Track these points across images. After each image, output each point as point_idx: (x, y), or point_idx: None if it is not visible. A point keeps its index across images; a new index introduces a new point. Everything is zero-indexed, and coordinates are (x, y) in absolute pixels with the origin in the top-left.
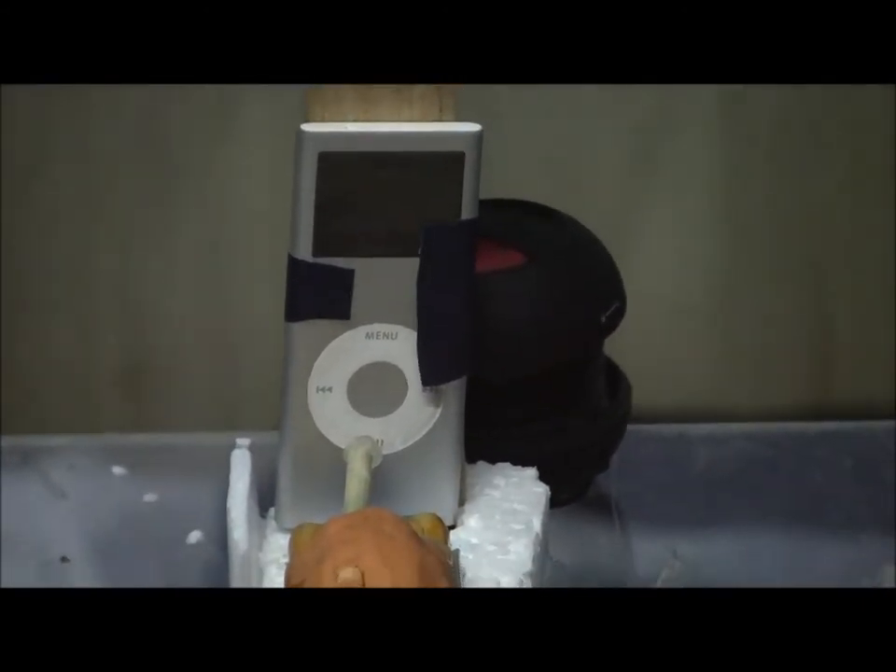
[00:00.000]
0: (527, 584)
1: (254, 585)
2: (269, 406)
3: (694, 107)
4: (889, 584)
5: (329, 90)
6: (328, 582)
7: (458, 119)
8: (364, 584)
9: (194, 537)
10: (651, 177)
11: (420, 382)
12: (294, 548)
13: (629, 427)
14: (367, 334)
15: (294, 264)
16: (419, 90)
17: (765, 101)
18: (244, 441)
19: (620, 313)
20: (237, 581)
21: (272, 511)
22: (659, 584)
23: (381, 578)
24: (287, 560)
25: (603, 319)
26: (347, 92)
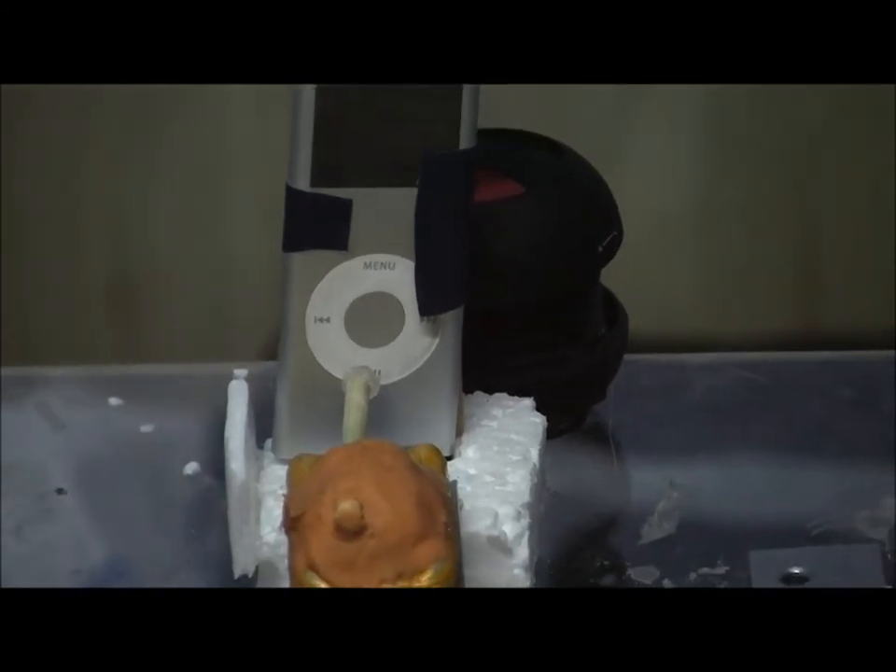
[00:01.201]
0: (525, 516)
1: (251, 516)
2: (261, 335)
3: None
4: (887, 516)
5: None
6: (327, 514)
7: None
8: (363, 516)
9: (191, 468)
10: (639, 104)
11: (418, 312)
12: (292, 479)
13: (625, 357)
14: (365, 264)
15: (292, 194)
16: None
17: None
18: (241, 372)
19: (617, 242)
20: (235, 513)
21: (269, 442)
22: (656, 515)
23: (380, 510)
24: (284, 491)
25: (600, 249)
26: None
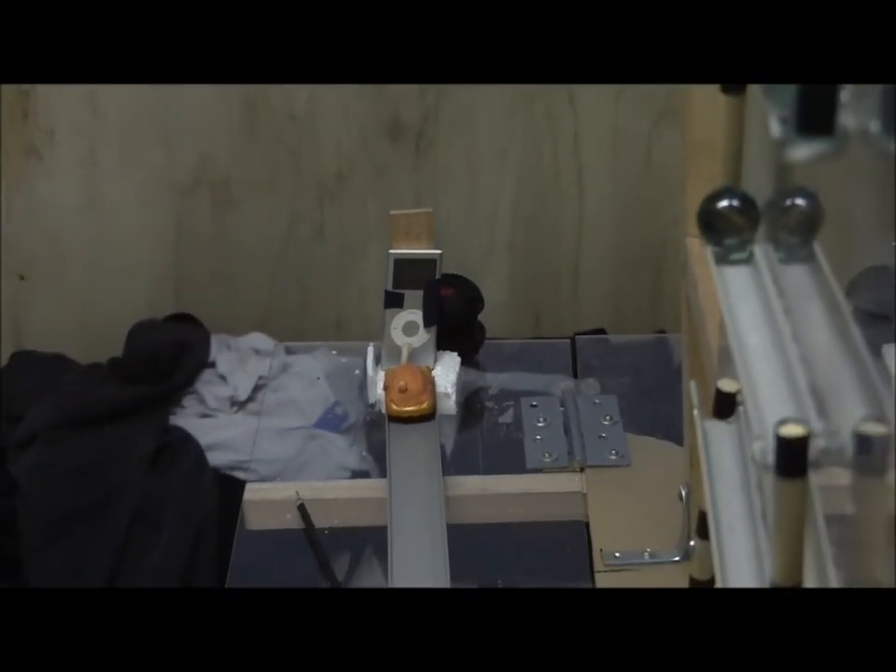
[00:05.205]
0: (455, 385)
1: (375, 386)
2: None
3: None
4: (559, 395)
5: (396, 236)
6: (396, 385)
7: (434, 240)
8: (406, 386)
9: (356, 371)
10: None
11: (424, 325)
12: (386, 376)
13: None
14: (409, 312)
15: (387, 292)
16: (425, 233)
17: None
18: (370, 344)
19: (482, 307)
20: (370, 388)
21: (380, 364)
22: (491, 389)
23: (411, 384)
24: (384, 380)
25: (479, 307)
26: (401, 236)
